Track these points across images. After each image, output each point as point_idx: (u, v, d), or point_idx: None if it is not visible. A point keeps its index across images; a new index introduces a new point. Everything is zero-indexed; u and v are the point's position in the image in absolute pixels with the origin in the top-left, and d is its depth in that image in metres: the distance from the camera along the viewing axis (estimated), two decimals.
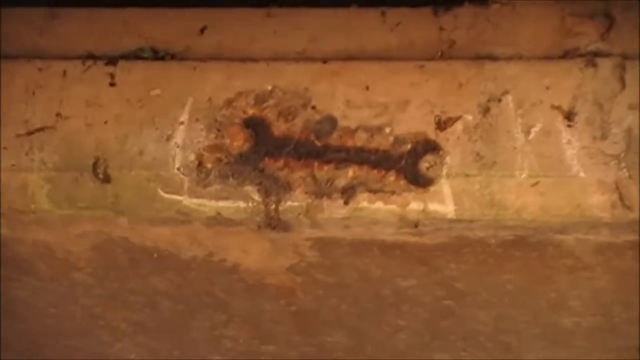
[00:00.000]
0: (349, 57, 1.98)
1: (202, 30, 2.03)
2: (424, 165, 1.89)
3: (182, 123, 1.98)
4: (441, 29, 1.97)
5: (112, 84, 2.01)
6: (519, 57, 1.93)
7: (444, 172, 1.89)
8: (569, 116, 1.87)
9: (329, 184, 1.92)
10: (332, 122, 1.93)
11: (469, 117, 1.90)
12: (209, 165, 1.95)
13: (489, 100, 1.90)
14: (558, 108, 1.88)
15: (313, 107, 1.93)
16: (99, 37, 2.08)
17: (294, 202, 1.93)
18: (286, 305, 2.28)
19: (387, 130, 1.91)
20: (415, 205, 1.90)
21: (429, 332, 2.35)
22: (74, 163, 2.00)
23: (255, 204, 1.94)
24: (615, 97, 1.87)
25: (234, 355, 2.54)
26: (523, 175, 1.88)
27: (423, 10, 1.98)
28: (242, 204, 1.95)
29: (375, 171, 1.91)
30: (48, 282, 2.30)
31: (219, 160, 1.95)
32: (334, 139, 1.93)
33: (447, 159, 1.89)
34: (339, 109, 1.93)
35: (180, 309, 2.37)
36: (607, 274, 2.07)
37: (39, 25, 2.11)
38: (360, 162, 1.92)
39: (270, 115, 1.94)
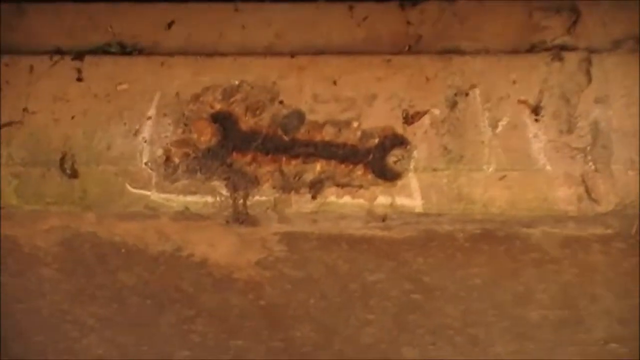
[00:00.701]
0: (317, 52, 1.97)
1: (169, 25, 2.01)
2: (391, 159, 1.89)
3: (149, 118, 1.96)
4: (408, 23, 1.96)
5: (79, 79, 1.99)
6: (486, 52, 1.93)
7: (412, 166, 1.88)
8: (536, 110, 1.88)
9: (296, 178, 1.91)
10: (299, 116, 1.92)
11: (436, 111, 1.90)
12: (177, 160, 1.93)
13: (456, 95, 1.89)
14: (525, 102, 1.88)
15: (280, 102, 1.92)
16: (66, 32, 2.06)
17: (262, 197, 1.92)
18: (254, 300, 2.28)
19: (355, 124, 1.91)
20: (382, 200, 1.89)
21: (397, 326, 2.35)
22: (41, 158, 1.98)
23: (223, 198, 1.93)
24: (582, 91, 1.87)
25: (202, 349, 2.53)
26: (490, 169, 1.87)
27: (390, 4, 1.98)
28: (209, 199, 1.93)
29: (342, 165, 1.90)
30: (15, 278, 2.29)
31: (187, 155, 1.94)
32: (301, 134, 1.92)
33: (415, 153, 1.89)
34: (307, 104, 1.93)
35: (148, 304, 2.36)
36: (574, 268, 2.08)
37: (5, 21, 2.09)
38: (328, 157, 1.91)
39: (237, 109, 1.93)
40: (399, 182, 1.88)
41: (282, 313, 2.31)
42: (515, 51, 1.93)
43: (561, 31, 1.92)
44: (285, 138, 1.91)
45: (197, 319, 2.39)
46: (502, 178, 1.87)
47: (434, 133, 1.89)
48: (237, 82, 1.94)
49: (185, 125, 1.94)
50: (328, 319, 2.34)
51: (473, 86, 1.89)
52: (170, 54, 2.00)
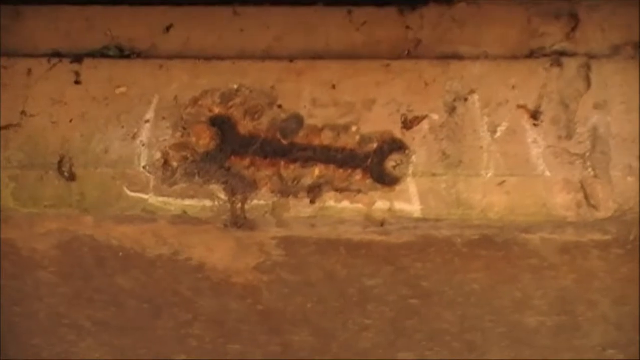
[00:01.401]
0: (315, 56, 1.96)
1: (168, 29, 2.00)
2: (390, 164, 1.87)
3: (147, 121, 1.94)
4: (407, 28, 1.95)
5: (77, 82, 1.98)
6: (485, 57, 1.92)
7: (410, 171, 1.87)
8: (535, 115, 1.86)
9: (295, 182, 1.90)
10: (298, 120, 1.91)
11: (435, 117, 1.88)
12: (175, 164, 1.92)
13: (455, 100, 1.88)
14: (524, 107, 1.87)
15: (279, 106, 1.91)
16: (64, 35, 2.05)
17: (260, 201, 1.91)
18: (252, 304, 2.27)
19: (354, 129, 1.89)
20: (381, 205, 1.88)
21: (394, 331, 2.34)
22: (39, 161, 1.96)
23: (221, 202, 1.91)
24: (581, 96, 1.86)
25: (199, 354, 2.53)
26: (489, 175, 1.86)
27: (389, 9, 1.97)
28: (208, 203, 1.92)
29: (341, 170, 1.89)
30: (13, 281, 2.27)
31: (185, 158, 1.92)
32: (300, 138, 1.91)
33: (413, 158, 1.87)
34: (305, 108, 1.92)
35: (145, 307, 2.35)
36: (572, 274, 2.07)
37: (3, 24, 2.08)
38: (327, 161, 1.90)
39: (236, 113, 1.92)
40: (398, 187, 1.87)
41: (280, 317, 2.31)
42: (514, 57, 1.92)
43: (560, 37, 1.91)
44: (284, 142, 1.90)
45: (194, 323, 2.38)
46: (501, 184, 1.85)
47: (433, 138, 1.87)
48: (235, 86, 1.93)
49: (184, 129, 1.93)
50: (326, 324, 2.33)
51: (472, 91, 1.88)
52: (169, 57, 1.98)
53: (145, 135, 1.93)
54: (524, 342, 2.32)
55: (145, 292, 2.27)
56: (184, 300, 2.28)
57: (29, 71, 2.00)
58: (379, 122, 1.89)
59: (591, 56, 1.87)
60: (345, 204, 1.88)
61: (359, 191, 1.88)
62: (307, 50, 1.96)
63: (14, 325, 2.47)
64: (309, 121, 1.90)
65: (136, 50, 2.00)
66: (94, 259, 2.15)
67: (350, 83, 1.91)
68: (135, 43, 2.01)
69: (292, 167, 1.89)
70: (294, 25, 1.98)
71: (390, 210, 1.88)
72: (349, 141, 1.89)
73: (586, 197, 1.83)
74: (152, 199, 1.93)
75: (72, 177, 1.95)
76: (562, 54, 1.88)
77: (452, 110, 1.87)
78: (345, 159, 1.89)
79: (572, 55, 1.88)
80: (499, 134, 1.86)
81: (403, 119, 1.88)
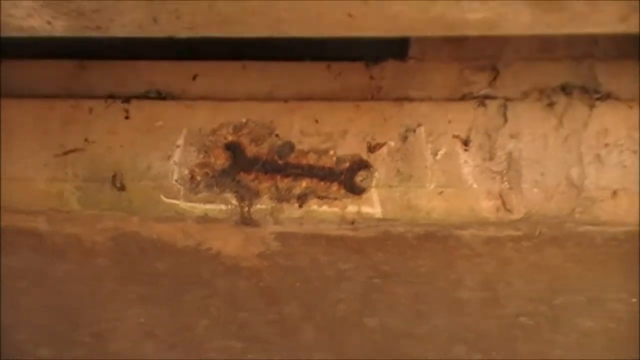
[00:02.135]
0: (304, 98, 2.01)
1: (194, 77, 2.07)
2: (358, 178, 1.95)
3: (178, 146, 2.01)
4: (371, 77, 2.01)
5: (127, 117, 2.05)
6: (429, 99, 1.98)
7: (373, 183, 1.95)
8: (466, 143, 1.94)
9: (287, 192, 1.98)
10: (290, 146, 1.98)
11: (392, 143, 1.96)
12: (199, 178, 2.00)
13: (406, 131, 1.95)
14: (457, 137, 1.95)
15: (276, 135, 1.98)
16: (117, 82, 2.10)
17: (262, 206, 1.98)
18: (255, 283, 2.33)
19: (331, 152, 1.97)
20: (351, 208, 1.96)
21: (362, 303, 2.40)
22: (98, 176, 2.04)
23: (233, 206, 1.99)
24: (500, 129, 1.93)
25: (216, 319, 2.55)
26: (432, 187, 1.94)
27: (358, 63, 2.03)
28: (223, 207, 2.00)
29: (322, 183, 1.97)
30: (77, 265, 2.34)
31: (206, 174, 2.00)
32: (292, 159, 1.98)
33: (376, 174, 1.94)
34: (296, 137, 1.98)
35: (175, 285, 2.41)
36: (493, 260, 2.14)
37: (71, 73, 2.13)
38: (311, 176, 1.97)
39: (244, 140, 1.99)
40: (364, 196, 1.95)
41: (276, 293, 2.37)
42: (451, 99, 1.98)
43: (484, 85, 1.98)
44: (280, 162, 1.97)
45: (213, 297, 2.43)
46: (440, 193, 1.93)
47: (390, 159, 1.94)
48: (244, 120, 1.99)
49: (205, 152, 2.00)
50: (310, 298, 2.39)
51: (419, 125, 1.95)
52: (195, 99, 2.04)
53: (177, 157, 2.01)
54: (458, 311, 2.39)
55: (175, 273, 2.34)
56: (204, 280, 2.35)
57: (90, 109, 2.06)
58: (351, 147, 1.96)
59: (507, 99, 1.94)
60: (325, 208, 1.97)
61: (335, 198, 1.96)
62: (297, 93, 2.02)
63: (79, 299, 2.52)
64: (298, 146, 1.97)
65: (170, 93, 2.07)
66: (138, 249, 2.23)
67: (329, 118, 1.98)
68: (169, 88, 2.07)
69: (285, 180, 1.97)
70: (288, 76, 2.03)
71: (358, 212, 1.96)
72: (327, 161, 1.96)
73: (503, 203, 1.92)
74: (182, 204, 2.01)
75: (122, 188, 2.01)
76: (486, 97, 1.95)
77: (404, 139, 1.95)
78: (325, 175, 1.96)
79: (493, 98, 1.95)
80: (439, 156, 1.94)
81: (368, 145, 1.95)
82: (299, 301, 2.43)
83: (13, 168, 2.07)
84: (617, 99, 1.90)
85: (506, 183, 1.92)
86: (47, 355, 2.93)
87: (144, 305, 2.53)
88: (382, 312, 2.42)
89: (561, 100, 1.93)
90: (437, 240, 2.06)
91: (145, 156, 2.04)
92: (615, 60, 1.92)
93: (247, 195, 2.00)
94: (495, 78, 1.98)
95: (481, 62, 1.99)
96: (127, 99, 2.07)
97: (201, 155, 2.02)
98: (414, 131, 1.96)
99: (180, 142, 2.03)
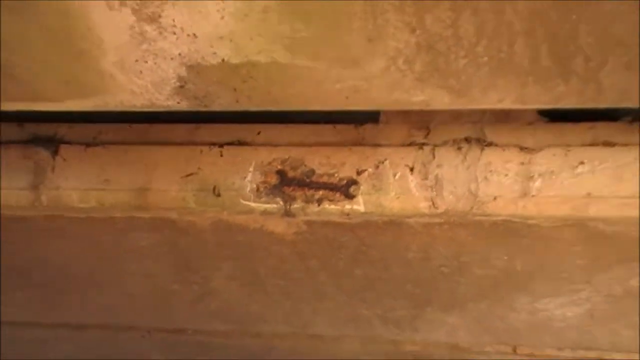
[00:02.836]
0: (320, 144, 2.30)
1: (258, 133, 2.36)
2: (351, 190, 2.28)
3: (250, 172, 2.33)
4: (358, 133, 2.32)
5: (221, 155, 2.36)
6: (391, 145, 2.27)
7: (360, 192, 2.27)
8: (412, 170, 2.26)
9: (311, 197, 2.30)
10: (313, 171, 2.30)
11: (370, 170, 2.28)
12: (261, 190, 2.32)
13: (379, 163, 2.28)
14: (407, 166, 2.26)
15: (305, 165, 2.29)
16: (216, 135, 2.34)
17: (296, 205, 2.30)
18: (292, 249, 2.57)
19: (336, 175, 2.28)
20: (347, 207, 2.28)
21: (353, 260, 2.59)
22: (205, 188, 2.37)
23: (280, 206, 2.31)
24: (431, 162, 2.25)
25: (269, 270, 2.72)
26: (393, 194, 2.28)
27: (351, 125, 2.30)
28: (275, 206, 2.31)
29: (331, 192, 2.28)
30: (194, 238, 2.55)
31: (266, 187, 2.31)
32: (314, 179, 2.29)
33: (361, 187, 2.27)
34: (316, 166, 2.30)
35: (249, 250, 2.61)
36: (427, 236, 2.39)
37: (191, 130, 2.39)
38: (325, 189, 2.29)
39: (287, 168, 2.31)
40: (354, 200, 2.26)
41: (305, 255, 2.59)
42: (403, 144, 2.26)
43: (422, 137, 2.25)
44: (307, 180, 2.29)
45: (268, 258, 2.66)
46: (398, 198, 2.24)
47: (369, 179, 2.28)
48: (287, 157, 2.32)
49: (265, 175, 2.32)
50: (324, 258, 2.60)
51: (386, 159, 2.28)
52: (258, 145, 2.34)
53: (249, 177, 2.34)
54: (406, 265, 2.54)
55: (249, 243, 2.54)
56: (264, 247, 2.55)
57: (201, 151, 2.37)
58: (347, 172, 2.27)
59: (435, 145, 2.23)
60: (332, 207, 2.28)
61: (339, 201, 2.27)
62: (317, 142, 2.30)
63: (195, 259, 2.65)
64: (317, 172, 2.29)
65: (245, 141, 2.36)
66: (227, 229, 2.48)
67: (335, 156, 2.27)
68: (246, 139, 2.36)
69: (310, 191, 2.28)
70: (312, 132, 2.31)
71: (351, 209, 2.27)
72: (334, 180, 2.27)
73: (433, 204, 2.24)
74: (252, 204, 2.34)
75: (219, 195, 2.34)
76: (423, 144, 2.25)
77: (377, 167, 2.26)
78: (332, 188, 2.27)
79: (427, 144, 2.25)
80: (397, 177, 2.25)
81: (357, 171, 2.29)
82: (317, 260, 2.59)
83: (158, 184, 2.33)
84: (496, 145, 2.14)
85: (434, 192, 2.21)
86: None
87: (233, 262, 2.60)
88: (364, 265, 2.55)
89: (465, 146, 2.16)
90: (395, 225, 2.32)
91: (231, 177, 2.33)
92: (495, 123, 2.12)
93: (288, 200, 2.29)
94: (428, 133, 2.25)
95: (420, 124, 2.22)
96: (221, 145, 2.36)
97: (262, 177, 2.31)
98: (383, 163, 2.26)
99: (251, 169, 2.33)
